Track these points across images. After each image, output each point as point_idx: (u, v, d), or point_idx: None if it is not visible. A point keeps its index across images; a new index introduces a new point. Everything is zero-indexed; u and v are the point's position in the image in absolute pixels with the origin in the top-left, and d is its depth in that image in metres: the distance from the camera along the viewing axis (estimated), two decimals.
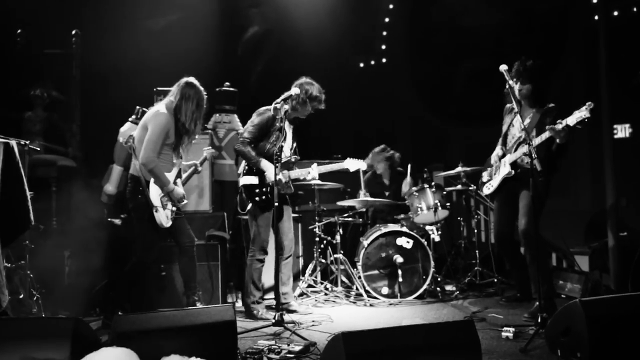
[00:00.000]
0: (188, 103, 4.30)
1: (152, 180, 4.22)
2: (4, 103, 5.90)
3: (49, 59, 5.88)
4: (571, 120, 4.09)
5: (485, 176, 5.00)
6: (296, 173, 4.81)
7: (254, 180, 4.69)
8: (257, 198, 4.67)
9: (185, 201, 4.49)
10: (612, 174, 5.30)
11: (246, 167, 4.74)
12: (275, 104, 4.49)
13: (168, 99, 4.36)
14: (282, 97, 4.50)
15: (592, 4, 6.64)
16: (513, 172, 4.61)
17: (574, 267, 5.66)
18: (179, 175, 4.48)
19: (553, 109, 4.54)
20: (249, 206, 4.71)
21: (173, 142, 4.33)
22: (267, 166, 4.63)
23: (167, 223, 4.34)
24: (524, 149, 4.43)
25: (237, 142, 4.71)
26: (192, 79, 4.40)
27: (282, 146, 4.64)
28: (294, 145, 4.91)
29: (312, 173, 4.82)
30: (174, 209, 4.41)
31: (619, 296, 3.57)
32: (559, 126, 4.12)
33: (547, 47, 7.64)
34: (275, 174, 4.34)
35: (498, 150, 4.86)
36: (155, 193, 4.26)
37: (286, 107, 4.51)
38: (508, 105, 4.85)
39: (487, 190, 4.92)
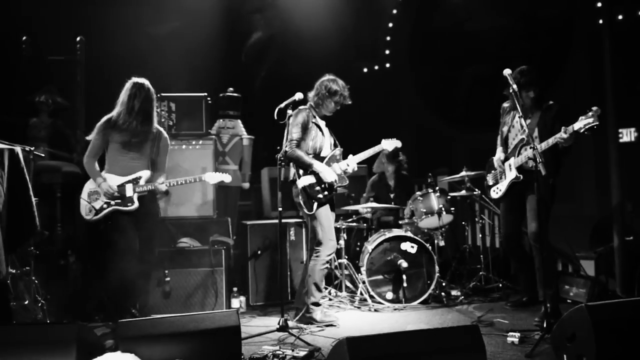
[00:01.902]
0: (118, 102, 4.44)
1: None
2: (9, 109, 5.93)
3: (53, 66, 5.90)
4: (577, 125, 4.08)
5: (490, 179, 4.98)
6: (340, 166, 4.79)
7: (311, 179, 4.66)
8: (319, 195, 4.64)
9: (127, 204, 4.43)
10: (618, 178, 5.28)
11: (300, 170, 4.68)
12: (279, 109, 4.49)
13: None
14: (286, 102, 4.50)
15: (597, 8, 6.63)
16: (521, 177, 4.60)
17: (579, 272, 5.63)
18: (134, 182, 4.46)
19: (553, 106, 4.57)
20: (315, 205, 4.65)
21: (118, 143, 4.43)
22: (320, 167, 4.65)
23: (87, 215, 4.45)
24: (528, 152, 4.41)
25: (287, 149, 4.62)
26: (132, 79, 4.49)
27: (322, 144, 4.75)
28: (333, 139, 4.92)
29: (351, 164, 4.81)
30: (106, 206, 4.42)
31: (625, 301, 3.56)
32: (564, 135, 4.12)
33: (551, 51, 7.62)
34: (326, 171, 4.58)
35: (500, 154, 4.84)
36: (86, 188, 4.52)
37: (290, 112, 4.51)
38: (505, 105, 4.85)
39: (494, 194, 4.90)
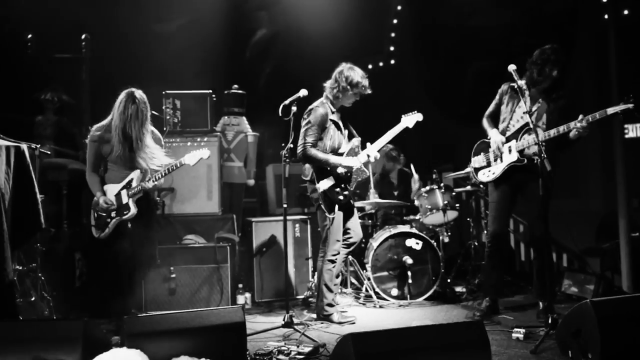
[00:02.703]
0: (114, 112, 4.31)
1: None
2: (15, 107, 5.95)
3: (59, 64, 5.91)
4: (611, 110, 4.02)
5: (479, 161, 4.72)
6: (362, 157, 4.67)
7: (330, 181, 4.59)
8: (340, 197, 4.59)
9: (125, 212, 4.31)
10: (624, 174, 5.27)
11: (317, 172, 4.61)
12: (283, 105, 4.48)
13: None
14: (290, 99, 4.50)
15: (602, 3, 6.59)
16: (525, 160, 4.41)
17: (585, 268, 5.62)
18: (127, 186, 4.36)
19: (562, 96, 4.46)
20: (336, 208, 4.60)
21: (114, 153, 4.31)
22: (337, 159, 4.58)
23: (96, 234, 4.37)
24: (531, 137, 4.30)
25: (300, 150, 4.57)
26: (128, 91, 4.30)
27: (340, 142, 4.69)
28: (350, 129, 4.84)
29: (371, 153, 4.65)
30: (109, 220, 4.34)
31: (630, 297, 3.55)
32: (584, 124, 4.07)
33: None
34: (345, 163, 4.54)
35: (500, 136, 4.57)
36: (93, 204, 4.39)
37: (294, 108, 4.49)
38: (505, 87, 4.68)
39: (484, 177, 4.64)
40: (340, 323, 4.55)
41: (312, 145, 4.56)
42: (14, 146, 3.73)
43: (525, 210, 4.71)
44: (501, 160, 4.56)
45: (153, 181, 4.33)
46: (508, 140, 4.55)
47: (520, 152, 4.45)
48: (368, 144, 4.72)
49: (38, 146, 4.19)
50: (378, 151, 4.70)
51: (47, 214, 4.03)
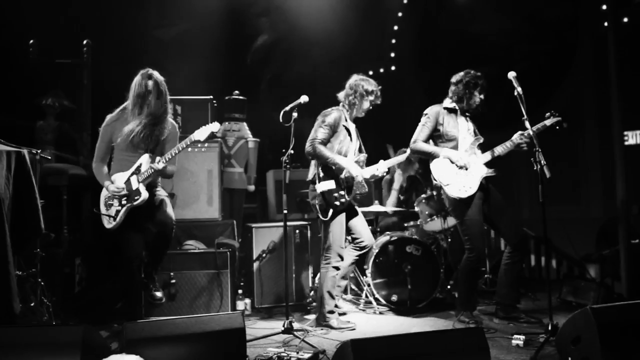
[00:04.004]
0: (130, 93, 4.25)
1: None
2: (16, 112, 5.96)
3: (60, 69, 5.93)
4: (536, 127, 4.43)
5: (449, 179, 4.59)
6: (369, 171, 4.73)
7: (331, 184, 4.60)
8: (337, 202, 4.58)
9: (136, 197, 4.17)
10: (624, 181, 5.26)
11: (320, 173, 4.64)
12: (284, 111, 4.49)
13: None
14: (291, 105, 4.51)
15: (602, 10, 6.62)
16: (494, 172, 4.61)
17: (585, 274, 5.62)
18: (136, 172, 4.23)
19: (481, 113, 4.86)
20: (330, 212, 4.60)
21: (122, 140, 4.22)
22: (343, 161, 4.60)
23: (108, 225, 4.25)
24: (479, 151, 4.66)
25: (308, 146, 4.60)
26: (142, 71, 4.27)
27: (347, 149, 4.71)
28: (359, 144, 4.87)
29: (380, 169, 4.75)
30: (120, 208, 4.23)
31: (630, 303, 3.53)
32: (525, 139, 4.49)
33: (557, 53, 7.61)
34: (351, 166, 4.58)
35: (457, 152, 4.63)
36: (102, 196, 4.33)
37: (295, 115, 4.50)
38: (438, 108, 4.79)
39: (463, 193, 4.55)
40: (340, 329, 4.55)
41: (321, 143, 4.59)
42: (15, 151, 3.74)
43: (496, 219, 4.73)
44: (472, 174, 4.61)
45: (163, 162, 4.16)
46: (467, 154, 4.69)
47: (486, 164, 4.62)
48: (381, 161, 4.81)
49: (39, 151, 4.20)
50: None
51: (47, 219, 4.02)
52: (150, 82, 4.22)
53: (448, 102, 4.80)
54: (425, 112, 4.81)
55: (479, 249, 4.61)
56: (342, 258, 4.71)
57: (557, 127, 4.48)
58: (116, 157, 4.35)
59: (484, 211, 4.64)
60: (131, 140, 4.21)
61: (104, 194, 4.32)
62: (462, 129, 4.72)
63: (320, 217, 4.62)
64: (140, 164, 4.24)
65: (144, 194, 4.17)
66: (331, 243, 4.66)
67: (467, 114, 4.79)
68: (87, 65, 5.94)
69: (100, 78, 6.02)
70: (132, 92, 4.24)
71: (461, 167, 4.60)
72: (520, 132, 4.50)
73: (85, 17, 6.48)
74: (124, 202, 4.22)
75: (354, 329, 4.60)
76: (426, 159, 4.78)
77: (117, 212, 4.23)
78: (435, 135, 4.75)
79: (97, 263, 5.36)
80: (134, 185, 4.21)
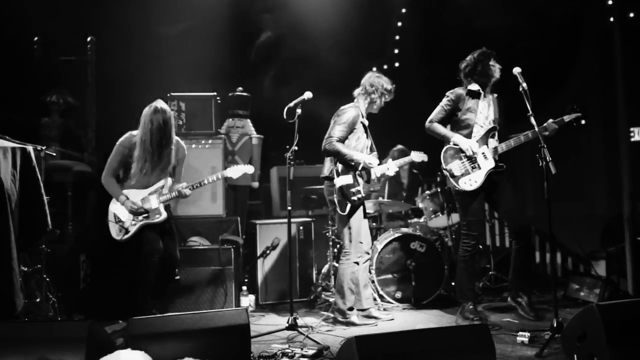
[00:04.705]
0: (141, 129, 4.33)
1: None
2: (21, 109, 5.98)
3: (64, 66, 5.95)
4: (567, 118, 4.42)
5: (457, 168, 4.60)
6: (380, 169, 4.79)
7: (349, 179, 4.61)
8: (354, 197, 4.60)
9: (156, 216, 4.40)
10: (629, 177, 5.24)
11: (338, 168, 4.64)
12: (288, 108, 4.48)
13: None
14: (295, 101, 4.50)
15: (607, 5, 6.58)
16: (504, 166, 4.57)
17: (590, 271, 5.60)
18: (157, 192, 4.42)
19: (501, 98, 4.78)
20: (348, 207, 4.62)
21: (139, 165, 4.34)
22: (360, 156, 4.62)
23: (117, 236, 4.38)
24: (495, 142, 4.61)
25: (325, 143, 4.61)
26: (152, 104, 4.36)
27: (364, 146, 4.74)
28: (371, 142, 4.90)
29: (391, 169, 4.81)
30: (134, 222, 4.37)
31: (636, 300, 3.53)
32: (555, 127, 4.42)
33: (561, 49, 7.57)
34: (366, 162, 4.58)
35: (468, 140, 4.59)
36: (112, 207, 4.42)
37: (299, 111, 4.49)
38: (460, 91, 4.73)
39: (467, 186, 4.54)
40: (362, 325, 4.59)
41: (339, 140, 4.60)
42: (20, 148, 3.75)
43: (504, 209, 4.74)
44: (478, 167, 4.58)
45: (190, 190, 4.46)
46: (478, 145, 4.61)
47: (494, 157, 4.56)
48: (390, 160, 4.89)
49: (44, 148, 4.21)
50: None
51: (52, 216, 4.03)
52: (165, 117, 4.32)
53: (471, 85, 4.70)
54: (447, 93, 4.78)
55: (474, 235, 4.64)
56: (365, 253, 4.74)
57: (575, 124, 4.43)
58: (131, 176, 4.40)
59: (488, 201, 4.67)
60: (141, 172, 4.36)
61: (114, 206, 4.41)
62: (481, 116, 4.66)
63: (339, 211, 4.62)
64: (162, 185, 4.44)
65: (164, 214, 4.43)
66: (350, 238, 4.67)
67: (492, 97, 4.67)
68: (92, 62, 5.95)
69: (105, 75, 6.02)
70: (148, 125, 4.30)
71: (469, 156, 4.58)
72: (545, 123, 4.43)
73: (89, 15, 6.48)
74: (140, 218, 4.37)
75: (376, 325, 4.61)
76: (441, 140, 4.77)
77: (131, 225, 4.37)
78: (453, 120, 4.74)
79: (102, 259, 5.36)
80: (154, 204, 4.40)
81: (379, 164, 4.78)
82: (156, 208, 4.40)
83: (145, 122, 4.31)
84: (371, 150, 4.88)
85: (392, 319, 4.78)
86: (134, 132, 4.40)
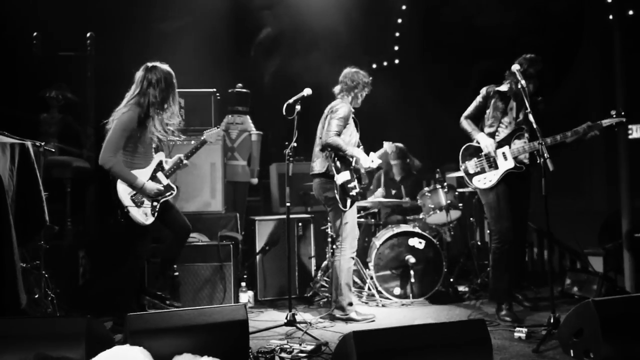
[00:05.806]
0: (151, 88, 4.20)
1: (119, 180, 4.15)
2: (20, 105, 5.97)
3: (64, 62, 5.94)
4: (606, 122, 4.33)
5: (473, 166, 4.64)
6: (366, 162, 4.79)
7: (348, 175, 4.66)
8: (353, 192, 4.65)
9: (170, 192, 4.34)
10: (627, 174, 5.26)
11: (337, 164, 4.65)
12: (287, 104, 4.49)
13: (130, 95, 4.26)
14: (294, 98, 4.51)
15: (607, 3, 6.58)
16: (523, 167, 4.50)
17: (587, 268, 5.61)
18: (160, 169, 4.36)
19: (541, 101, 4.64)
20: (349, 202, 4.65)
21: (141, 136, 4.20)
22: (357, 152, 4.67)
23: (147, 220, 4.21)
24: (521, 143, 4.51)
25: (329, 138, 4.58)
26: (151, 63, 4.28)
27: (355, 141, 4.78)
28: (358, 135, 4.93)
29: (375, 161, 4.80)
30: (155, 204, 4.27)
31: (632, 296, 3.56)
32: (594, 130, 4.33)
33: (562, 46, 7.57)
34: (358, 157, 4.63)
35: (488, 140, 4.56)
36: (124, 192, 4.16)
37: (298, 107, 4.50)
38: (490, 90, 4.67)
39: (481, 184, 4.57)
40: (362, 321, 4.61)
41: (337, 135, 4.62)
42: (19, 144, 3.75)
43: (512, 209, 4.62)
44: (495, 167, 4.55)
45: (186, 160, 4.47)
46: (500, 145, 4.56)
47: (515, 158, 4.50)
48: (372, 153, 4.82)
49: (43, 144, 4.21)
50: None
51: (51, 212, 4.03)
52: (155, 74, 4.26)
53: (502, 85, 4.65)
54: (481, 90, 4.77)
55: (501, 227, 4.51)
56: (354, 248, 4.76)
57: (616, 129, 4.45)
58: (131, 150, 4.25)
59: (510, 198, 4.55)
60: (147, 139, 4.25)
61: (128, 191, 4.17)
62: (508, 118, 4.61)
63: (341, 207, 4.63)
64: (160, 161, 4.38)
65: (174, 188, 4.41)
66: (347, 234, 4.69)
67: (525, 100, 4.23)
68: (91, 58, 5.95)
69: (104, 71, 6.02)
70: (162, 84, 4.24)
71: (487, 155, 4.57)
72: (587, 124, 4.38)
73: (88, 10, 6.47)
74: (159, 198, 4.30)
75: (374, 321, 4.64)
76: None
77: (154, 207, 4.28)
78: (483, 117, 4.74)
79: (101, 255, 5.38)
80: (164, 181, 4.37)
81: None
82: (168, 184, 4.37)
83: (149, 85, 4.20)
84: (358, 146, 4.89)
85: (373, 321, 4.69)
86: (127, 108, 4.19)
